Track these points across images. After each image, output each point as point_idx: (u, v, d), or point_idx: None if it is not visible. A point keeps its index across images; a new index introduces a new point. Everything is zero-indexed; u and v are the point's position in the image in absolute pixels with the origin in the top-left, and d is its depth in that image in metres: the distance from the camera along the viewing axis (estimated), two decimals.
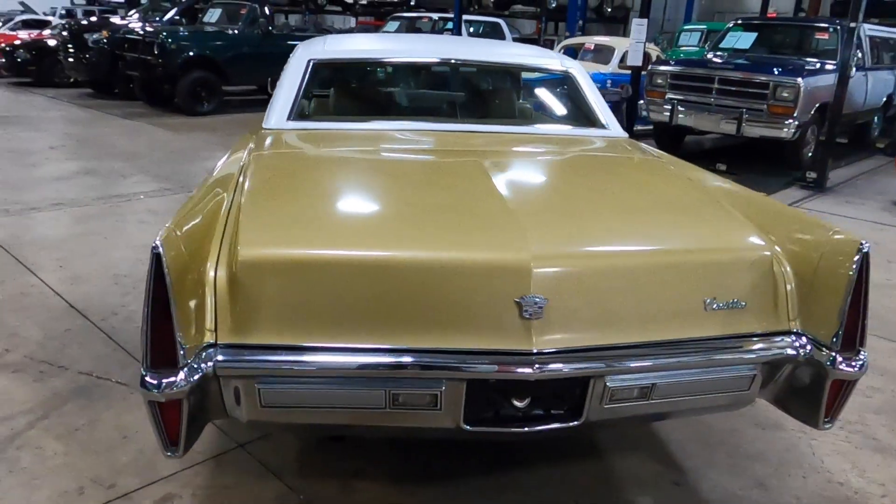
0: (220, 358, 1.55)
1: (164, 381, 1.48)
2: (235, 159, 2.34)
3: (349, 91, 3.18)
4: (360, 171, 2.30)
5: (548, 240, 1.71)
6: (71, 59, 11.51)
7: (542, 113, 3.23)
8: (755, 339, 1.78)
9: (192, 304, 1.55)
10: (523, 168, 2.40)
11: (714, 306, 1.75)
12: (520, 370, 1.59)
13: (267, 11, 10.81)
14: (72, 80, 12.11)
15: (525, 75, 3.42)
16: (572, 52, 10.12)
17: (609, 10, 16.54)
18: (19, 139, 7.50)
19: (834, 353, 1.74)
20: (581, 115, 3.01)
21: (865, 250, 1.71)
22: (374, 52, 3.13)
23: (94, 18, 14.63)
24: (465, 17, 13.65)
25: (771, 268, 1.80)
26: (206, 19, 10.96)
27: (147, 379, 1.48)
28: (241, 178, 2.07)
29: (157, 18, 11.97)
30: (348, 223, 1.84)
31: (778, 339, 1.79)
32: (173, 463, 2.16)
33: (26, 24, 16.19)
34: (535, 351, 1.61)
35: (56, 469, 2.11)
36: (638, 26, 7.97)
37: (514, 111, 3.15)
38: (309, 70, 2.89)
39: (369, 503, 2.04)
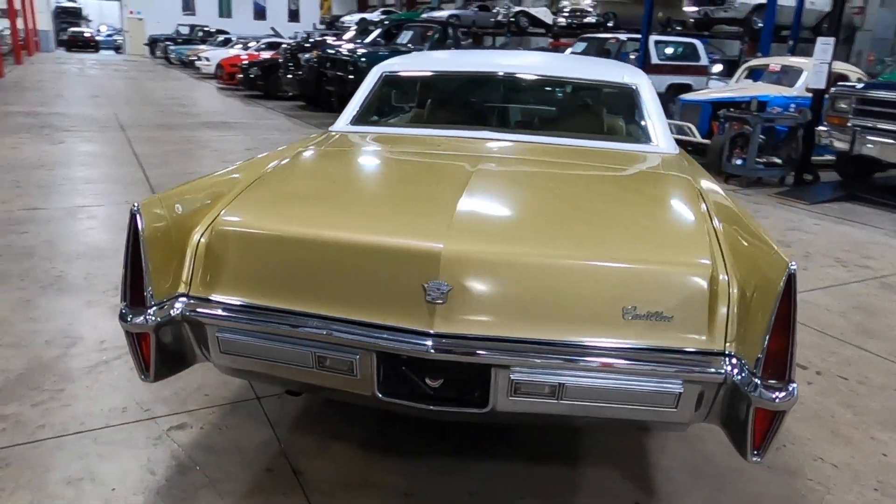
0: (186, 305, 1.91)
1: (133, 316, 1.86)
2: (285, 151, 2.73)
3: (407, 100, 3.46)
4: (367, 168, 2.57)
5: (467, 234, 1.83)
6: (289, 76, 13.25)
7: (596, 126, 3.23)
8: (677, 354, 1.73)
9: (173, 259, 1.93)
10: (514, 175, 2.49)
11: (633, 316, 1.74)
12: (413, 348, 1.74)
13: (454, 33, 11.56)
14: (289, 93, 13.92)
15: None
16: (759, 74, 9.44)
17: (825, 27, 14.93)
18: (228, 141, 8.87)
19: (756, 380, 1.64)
20: (633, 129, 2.99)
21: (791, 271, 1.59)
22: (438, 66, 3.38)
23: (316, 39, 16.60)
24: (658, 38, 13.32)
25: (707, 286, 1.73)
26: (399, 41, 12.00)
27: (123, 312, 1.88)
28: (272, 166, 2.44)
29: (361, 40, 13.32)
30: (312, 209, 2.10)
31: (705, 358, 1.72)
32: (200, 401, 2.59)
33: (270, 46, 18.85)
34: (432, 332, 1.75)
35: (117, 390, 2.64)
36: (823, 45, 7.26)
37: (561, 123, 3.20)
38: (379, 81, 3.24)
39: (335, 460, 2.28)
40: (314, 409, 2.57)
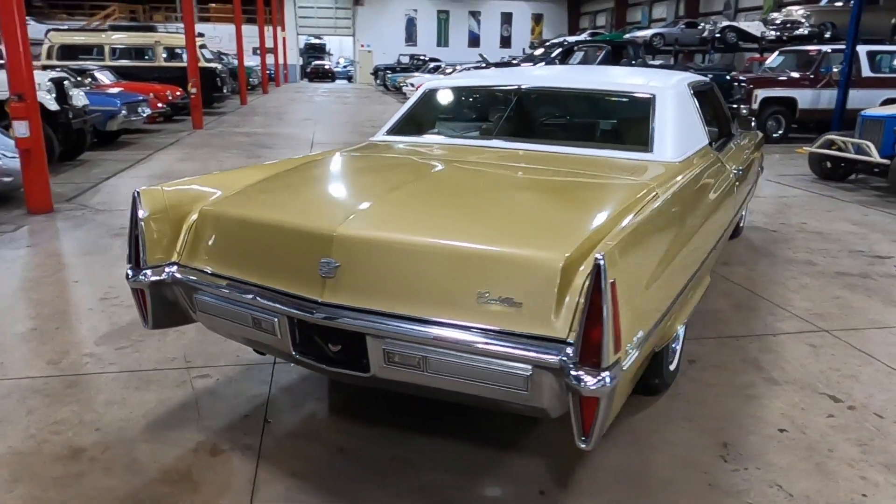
0: (174, 271, 2.43)
1: (133, 276, 2.42)
2: (322, 154, 3.20)
3: (439, 112, 3.71)
4: (353, 168, 2.92)
5: (362, 220, 2.12)
6: None
7: (597, 134, 3.24)
8: (524, 339, 1.85)
9: (170, 233, 2.46)
10: (462, 176, 2.70)
11: (486, 300, 1.90)
12: (304, 314, 2.07)
13: (636, 52, 11.45)
14: None
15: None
16: None
17: None
18: None
19: (571, 364, 1.71)
20: (636, 137, 3.00)
21: (600, 263, 1.64)
22: (472, 82, 3.63)
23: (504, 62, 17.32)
24: (872, 47, 11.87)
25: (558, 278, 1.83)
26: (570, 61, 12.18)
27: (126, 273, 2.45)
28: (295, 165, 2.93)
29: (540, 62, 13.67)
30: (269, 199, 2.50)
31: (547, 344, 1.81)
32: (230, 360, 3.13)
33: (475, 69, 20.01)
34: (319, 301, 2.06)
35: (177, 346, 3.29)
36: None
37: (563, 133, 3.29)
38: (422, 95, 3.59)
39: (302, 416, 2.66)
40: (313, 377, 2.98)
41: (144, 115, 10.97)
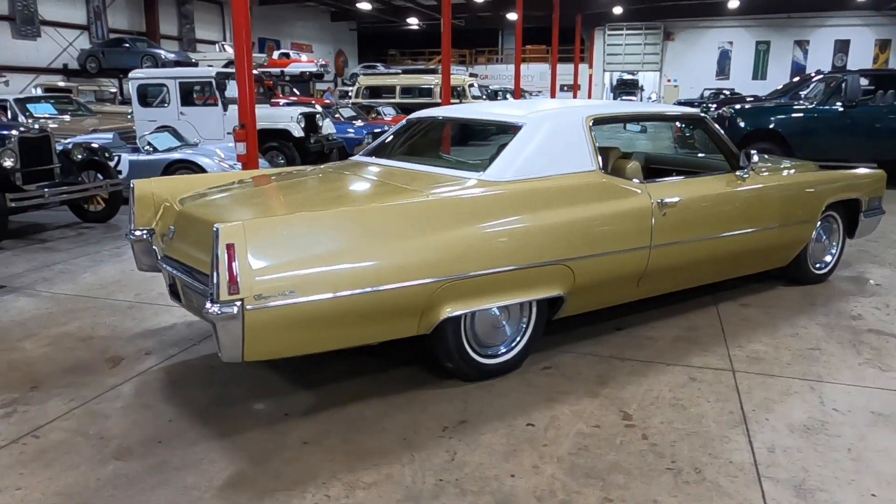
0: (147, 234, 3.78)
1: (127, 234, 3.84)
2: (303, 169, 4.33)
3: (402, 138, 4.42)
4: (303, 180, 3.92)
5: (190, 202, 3.18)
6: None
7: (471, 155, 3.68)
8: (203, 276, 2.76)
9: (151, 211, 3.83)
10: (331, 181, 3.54)
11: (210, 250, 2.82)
12: (161, 263, 3.23)
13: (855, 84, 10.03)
14: None
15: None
16: None
17: None
18: None
19: (209, 297, 2.55)
20: (485, 159, 3.48)
21: (216, 230, 2.47)
22: (431, 113, 4.33)
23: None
24: None
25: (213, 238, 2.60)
26: (804, 94, 11.04)
27: (125, 233, 3.88)
28: (279, 173, 4.13)
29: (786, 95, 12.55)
30: (213, 198, 3.66)
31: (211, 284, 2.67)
32: None
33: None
34: (160, 255, 3.19)
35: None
36: None
37: (440, 154, 3.84)
38: (404, 124, 4.46)
39: (280, 371, 3.78)
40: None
41: None
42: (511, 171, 3.35)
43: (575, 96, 36.05)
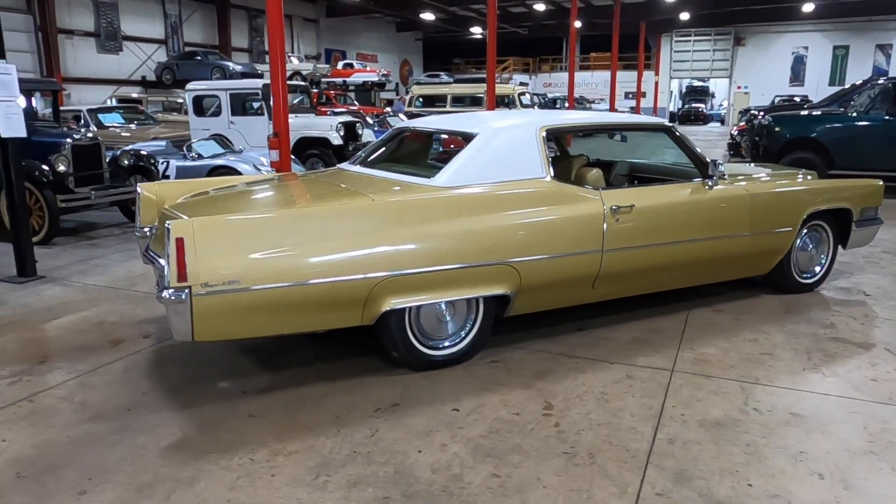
0: (149, 231, 4.26)
1: (133, 230, 4.33)
2: (301, 173, 4.73)
3: (385, 147, 4.71)
4: (284, 184, 4.31)
5: (175, 207, 3.61)
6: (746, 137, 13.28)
7: (421, 164, 3.96)
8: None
9: (154, 210, 4.30)
10: (304, 186, 3.87)
11: None
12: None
13: None
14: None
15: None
16: None
17: None
18: None
19: (164, 284, 2.95)
20: (435, 168, 3.76)
21: (167, 227, 2.85)
22: (412, 124, 4.63)
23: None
24: None
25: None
26: (855, 101, 10.68)
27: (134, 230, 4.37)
28: (269, 178, 4.55)
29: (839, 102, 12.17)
30: (195, 199, 4.12)
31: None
32: None
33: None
34: (144, 249, 3.63)
35: None
36: None
37: (405, 162, 4.18)
38: (391, 133, 4.79)
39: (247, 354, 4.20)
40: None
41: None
42: (459, 177, 3.62)
43: (638, 104, 35.55)
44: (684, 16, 32.99)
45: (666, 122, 4.48)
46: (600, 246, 3.84)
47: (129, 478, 2.62)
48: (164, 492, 2.52)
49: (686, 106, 42.68)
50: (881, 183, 5.18)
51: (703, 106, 43.06)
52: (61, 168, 6.97)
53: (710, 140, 24.63)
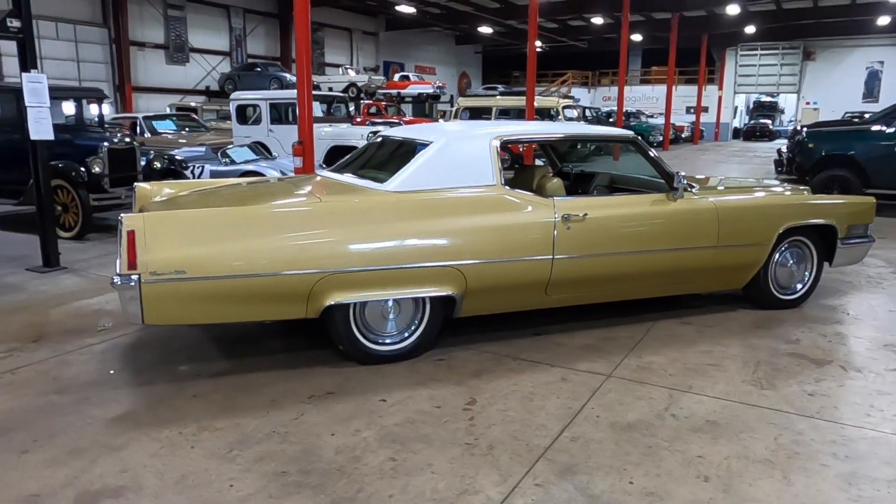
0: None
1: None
2: (282, 178, 5.04)
3: (363, 154, 4.92)
4: (262, 189, 4.61)
5: (156, 205, 3.95)
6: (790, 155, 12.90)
7: (385, 171, 4.13)
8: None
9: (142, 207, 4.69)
10: (284, 191, 4.15)
11: None
12: None
13: None
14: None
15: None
16: None
17: None
18: None
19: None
20: (389, 174, 3.95)
21: (120, 219, 3.16)
22: (386, 133, 4.85)
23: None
24: None
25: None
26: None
27: None
28: (253, 183, 4.88)
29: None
30: (181, 198, 4.46)
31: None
32: None
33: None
34: None
35: None
36: None
37: (371, 169, 4.36)
38: (375, 140, 5.04)
39: (217, 345, 4.53)
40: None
41: None
42: (408, 183, 3.82)
43: (698, 118, 34.82)
44: (749, 29, 32.09)
45: (631, 134, 4.54)
46: (550, 252, 3.96)
47: (69, 441, 2.92)
48: (92, 455, 2.82)
49: (752, 121, 41.44)
50: (872, 199, 5.08)
51: (769, 122, 41.68)
52: (96, 169, 7.54)
53: (768, 157, 23.87)
